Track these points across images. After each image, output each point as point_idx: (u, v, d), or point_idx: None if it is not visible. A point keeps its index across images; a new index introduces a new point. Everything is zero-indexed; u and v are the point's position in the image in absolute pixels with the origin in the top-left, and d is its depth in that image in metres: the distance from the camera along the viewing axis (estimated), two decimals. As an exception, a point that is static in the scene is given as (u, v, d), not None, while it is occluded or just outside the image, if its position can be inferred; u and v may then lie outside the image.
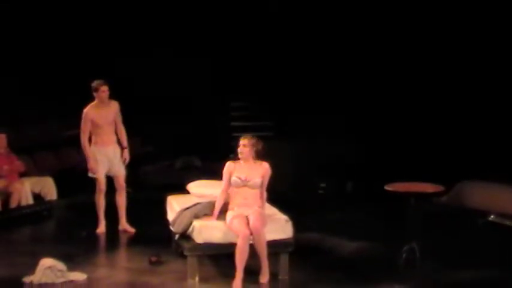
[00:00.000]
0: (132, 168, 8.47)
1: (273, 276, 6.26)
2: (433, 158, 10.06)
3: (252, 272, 6.38)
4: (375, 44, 11.32)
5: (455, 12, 10.50)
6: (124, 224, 8.15)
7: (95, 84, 7.94)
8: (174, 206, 6.92)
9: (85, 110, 7.90)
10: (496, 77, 10.28)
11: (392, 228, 7.95)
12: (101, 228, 8.08)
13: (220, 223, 6.28)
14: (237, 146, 6.51)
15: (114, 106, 8.03)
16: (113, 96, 8.02)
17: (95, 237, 7.93)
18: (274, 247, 6.24)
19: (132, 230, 8.12)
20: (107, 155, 7.97)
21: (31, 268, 6.31)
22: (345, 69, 11.56)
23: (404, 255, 6.72)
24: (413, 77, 11.05)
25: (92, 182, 8.03)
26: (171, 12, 12.12)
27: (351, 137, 11.13)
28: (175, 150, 11.83)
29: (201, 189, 7.10)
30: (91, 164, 7.90)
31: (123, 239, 7.97)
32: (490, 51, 10.21)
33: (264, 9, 12.25)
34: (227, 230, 6.20)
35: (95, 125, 7.89)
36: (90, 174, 8.00)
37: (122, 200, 8.13)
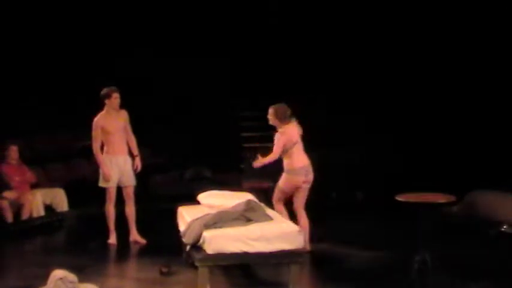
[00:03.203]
0: (142, 178, 8.48)
1: (284, 287, 6.25)
2: (444, 168, 10.03)
3: (263, 282, 6.41)
4: (391, 50, 11.31)
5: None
6: (135, 235, 8.16)
7: (107, 90, 7.95)
8: (185, 216, 6.92)
9: (95, 119, 7.94)
10: (508, 88, 10.25)
11: (403, 238, 7.92)
12: (112, 239, 8.10)
13: (232, 233, 6.26)
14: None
15: (124, 114, 8.07)
16: (122, 106, 8.05)
17: (105, 248, 7.95)
18: (285, 257, 6.22)
19: (143, 240, 8.13)
20: (118, 164, 7.99)
21: (43, 279, 6.31)
22: (358, 77, 11.56)
23: (415, 265, 6.69)
24: (425, 88, 11.04)
25: (103, 193, 8.05)
26: (178, 21, 12.18)
27: (361, 147, 11.11)
28: (185, 160, 11.85)
29: (211, 200, 7.10)
30: (105, 170, 7.89)
31: (134, 249, 7.98)
32: (507, 61, 10.19)
33: (266, 15, 12.26)
34: (238, 239, 6.16)
35: (105, 133, 7.91)
36: (101, 184, 8.00)
37: (131, 211, 8.14)
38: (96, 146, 7.91)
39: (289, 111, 7.36)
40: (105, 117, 7.94)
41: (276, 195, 7.42)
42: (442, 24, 10.87)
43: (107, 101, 7.94)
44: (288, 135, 7.28)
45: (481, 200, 9.08)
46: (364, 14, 11.50)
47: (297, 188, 7.38)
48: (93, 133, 7.90)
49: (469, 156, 10.21)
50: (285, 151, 7.30)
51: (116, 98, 7.94)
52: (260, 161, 7.24)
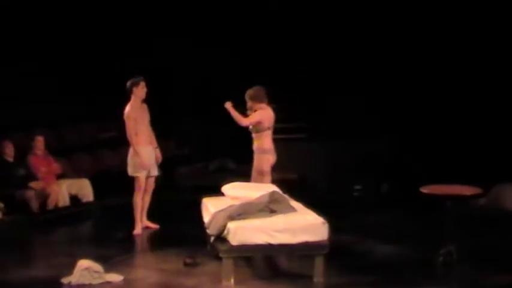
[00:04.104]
0: (167, 170, 8.50)
1: (308, 278, 6.24)
2: (471, 160, 9.93)
3: (287, 274, 6.40)
4: (414, 42, 11.21)
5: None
6: (145, 221, 8.23)
7: (134, 80, 7.96)
8: (209, 208, 6.93)
9: (127, 111, 7.93)
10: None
11: (428, 230, 7.87)
12: (138, 230, 8.14)
13: (256, 224, 6.26)
14: None
15: (146, 107, 8.11)
16: (149, 97, 8.08)
17: (131, 239, 8.00)
18: (309, 249, 6.21)
19: (155, 225, 8.21)
20: (148, 154, 8.03)
21: (69, 269, 6.38)
22: (381, 68, 11.48)
23: (441, 258, 6.64)
24: (449, 80, 10.94)
25: (128, 183, 8.09)
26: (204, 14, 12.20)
27: (386, 138, 11.04)
28: (210, 152, 11.86)
29: (235, 191, 7.09)
30: (143, 160, 7.90)
31: (159, 240, 8.02)
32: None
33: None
34: (263, 230, 6.16)
35: (137, 124, 7.94)
36: (133, 173, 8.01)
37: (148, 199, 8.21)
38: (133, 137, 7.91)
39: (262, 92, 7.64)
40: (136, 109, 7.96)
41: (258, 181, 7.47)
42: (459, 9, 10.76)
43: (134, 90, 7.95)
44: (266, 116, 7.55)
45: (507, 192, 8.99)
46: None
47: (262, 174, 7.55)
48: (128, 124, 7.89)
49: (496, 148, 10.09)
50: (257, 132, 7.56)
51: (143, 88, 7.97)
52: (231, 108, 7.55)
